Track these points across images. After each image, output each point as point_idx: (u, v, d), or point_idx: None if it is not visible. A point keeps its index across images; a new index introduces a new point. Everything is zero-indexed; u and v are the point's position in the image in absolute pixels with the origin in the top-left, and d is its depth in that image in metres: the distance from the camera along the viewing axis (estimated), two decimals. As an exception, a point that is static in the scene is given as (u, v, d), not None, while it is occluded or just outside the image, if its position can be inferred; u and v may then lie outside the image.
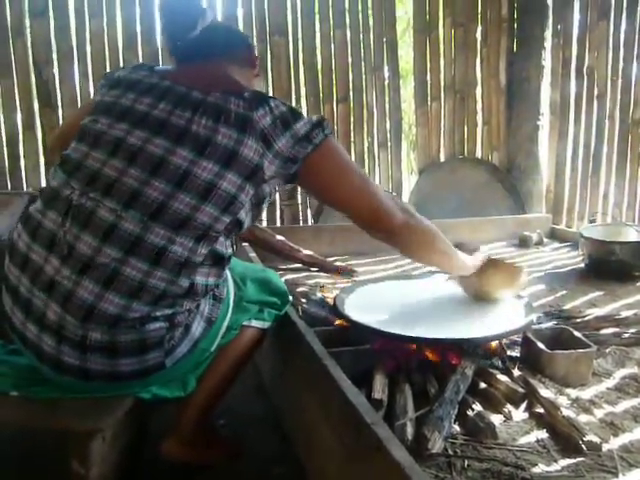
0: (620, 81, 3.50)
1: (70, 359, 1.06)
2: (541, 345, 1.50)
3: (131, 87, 1.17)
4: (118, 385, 1.11)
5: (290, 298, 1.49)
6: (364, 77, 3.67)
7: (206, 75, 1.19)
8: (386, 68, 3.71)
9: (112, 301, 1.03)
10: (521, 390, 1.38)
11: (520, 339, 1.61)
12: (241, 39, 1.36)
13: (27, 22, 3.13)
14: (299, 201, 3.63)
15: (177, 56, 1.26)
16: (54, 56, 3.19)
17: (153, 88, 1.15)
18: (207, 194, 1.07)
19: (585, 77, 3.61)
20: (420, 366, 1.49)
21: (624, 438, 1.22)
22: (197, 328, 1.16)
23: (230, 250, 1.18)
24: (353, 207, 1.22)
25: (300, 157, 1.13)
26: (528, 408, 1.34)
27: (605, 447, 1.17)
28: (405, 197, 3.87)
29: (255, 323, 1.35)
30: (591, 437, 1.17)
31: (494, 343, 1.58)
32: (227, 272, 1.30)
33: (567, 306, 2.13)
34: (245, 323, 1.33)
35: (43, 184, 3.11)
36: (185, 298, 1.10)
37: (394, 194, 1.32)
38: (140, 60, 3.20)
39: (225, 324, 1.25)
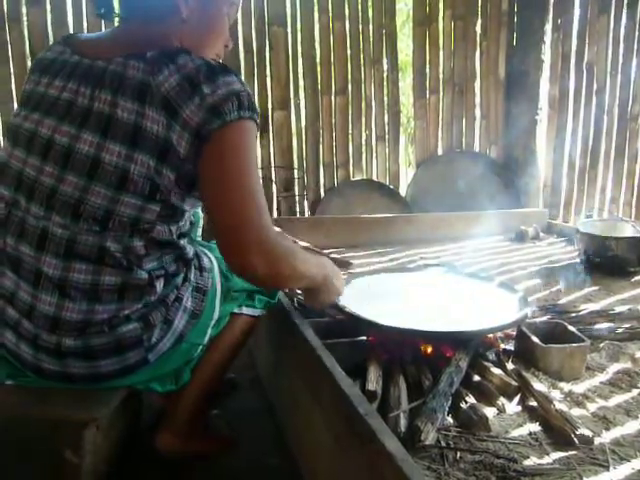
0: (619, 76, 3.49)
1: (49, 365, 1.05)
2: (535, 339, 1.51)
3: (46, 70, 1.05)
4: (105, 384, 1.10)
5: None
6: (363, 69, 3.66)
7: (120, 39, 1.03)
8: (385, 60, 3.70)
9: (73, 309, 1.00)
10: (515, 383, 1.38)
11: (515, 332, 1.61)
12: None
13: (24, 10, 3.11)
14: (296, 192, 3.63)
15: (105, 19, 1.12)
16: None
17: (65, 66, 1.03)
18: (122, 183, 0.95)
19: (584, 72, 3.60)
20: (414, 358, 1.49)
21: (616, 432, 1.23)
22: (180, 322, 1.13)
23: (177, 233, 1.08)
24: (216, 218, 0.98)
25: (204, 134, 0.93)
26: (521, 401, 1.35)
27: (597, 440, 1.18)
28: (402, 190, 3.87)
29: (246, 310, 1.33)
30: (583, 430, 1.17)
31: (489, 336, 1.58)
32: (213, 262, 1.26)
33: (562, 300, 2.14)
34: (236, 311, 1.31)
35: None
36: (151, 287, 1.05)
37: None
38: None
39: (215, 316, 1.23)
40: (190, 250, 1.17)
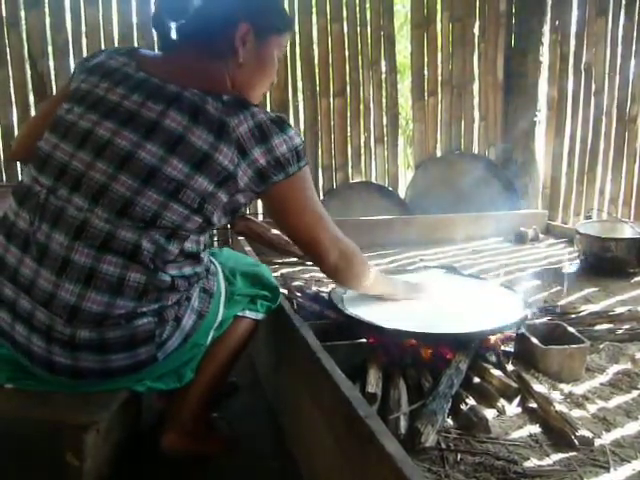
0: (617, 77, 3.50)
1: (61, 359, 1.06)
2: (535, 340, 1.51)
3: (107, 75, 1.12)
4: (110, 381, 1.11)
5: (281, 293, 1.49)
6: (361, 71, 3.66)
7: (183, 68, 1.12)
8: (383, 62, 3.70)
9: (95, 299, 1.03)
10: (515, 385, 1.38)
11: (514, 334, 1.62)
12: (226, 23, 1.14)
13: (22, 14, 3.11)
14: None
15: (161, 44, 1.19)
16: (49, 49, 3.17)
17: (128, 78, 1.10)
18: (176, 193, 1.03)
19: (583, 73, 3.61)
20: (414, 360, 1.49)
21: (616, 433, 1.23)
22: (188, 321, 1.16)
23: (203, 245, 1.16)
24: (297, 239, 1.23)
25: (269, 182, 1.09)
26: (521, 403, 1.35)
27: (597, 442, 1.18)
28: (401, 192, 3.87)
29: (249, 314, 1.36)
30: (583, 432, 1.17)
31: (489, 338, 1.58)
32: (217, 267, 1.31)
33: (562, 302, 2.14)
34: (239, 314, 1.33)
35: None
36: (170, 292, 1.10)
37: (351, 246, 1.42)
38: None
39: (219, 318, 1.26)
40: (208, 264, 1.23)
